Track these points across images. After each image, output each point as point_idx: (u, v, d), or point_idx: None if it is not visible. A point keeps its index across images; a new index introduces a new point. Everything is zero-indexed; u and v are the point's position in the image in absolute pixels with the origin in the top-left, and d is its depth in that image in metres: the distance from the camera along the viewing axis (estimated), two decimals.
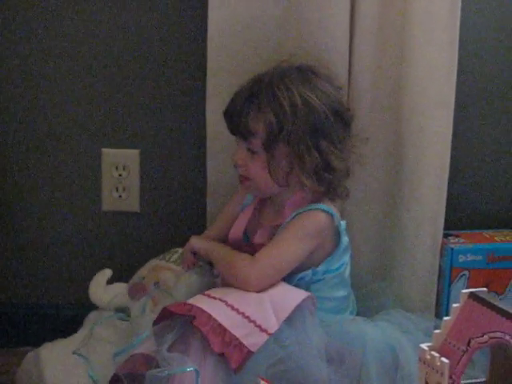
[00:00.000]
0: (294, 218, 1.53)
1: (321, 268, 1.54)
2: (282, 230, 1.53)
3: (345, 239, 1.58)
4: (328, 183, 1.53)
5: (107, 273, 1.68)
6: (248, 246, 1.57)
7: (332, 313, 1.54)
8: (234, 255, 1.52)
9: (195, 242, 1.59)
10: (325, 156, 1.51)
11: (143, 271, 1.68)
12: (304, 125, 1.50)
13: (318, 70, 1.57)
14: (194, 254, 1.60)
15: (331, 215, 1.54)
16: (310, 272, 1.53)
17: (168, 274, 1.64)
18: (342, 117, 1.54)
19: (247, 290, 1.45)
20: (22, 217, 1.87)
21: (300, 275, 1.53)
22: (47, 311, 1.88)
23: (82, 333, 1.60)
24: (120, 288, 1.66)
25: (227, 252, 1.54)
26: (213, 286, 1.58)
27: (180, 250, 1.69)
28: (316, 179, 1.52)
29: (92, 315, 1.66)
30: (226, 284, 1.52)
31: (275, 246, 1.51)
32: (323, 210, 1.53)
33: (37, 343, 1.66)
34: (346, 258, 1.59)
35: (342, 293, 1.58)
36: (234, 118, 1.53)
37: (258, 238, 1.57)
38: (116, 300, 1.61)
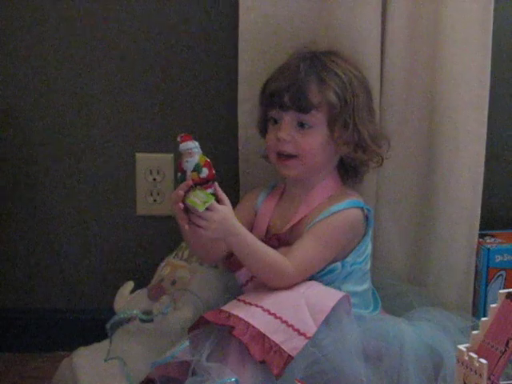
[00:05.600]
0: (328, 216, 1.53)
1: (349, 259, 1.55)
2: (318, 226, 1.53)
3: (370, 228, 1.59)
4: (375, 154, 1.59)
5: (130, 285, 1.70)
6: (275, 237, 1.57)
7: (355, 308, 1.52)
8: (274, 255, 1.49)
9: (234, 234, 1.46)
10: (376, 124, 1.60)
11: (161, 272, 1.69)
12: (361, 97, 1.55)
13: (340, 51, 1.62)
14: None
15: (364, 209, 1.56)
16: (339, 264, 1.54)
17: (183, 271, 1.65)
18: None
19: (284, 287, 1.46)
20: (57, 222, 1.88)
21: (329, 267, 1.53)
22: (82, 316, 1.89)
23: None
24: (141, 294, 1.67)
25: (267, 251, 1.49)
26: (229, 279, 1.59)
27: None
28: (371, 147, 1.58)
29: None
30: (256, 286, 1.53)
31: (313, 244, 1.51)
32: (358, 207, 1.55)
33: (72, 348, 1.68)
34: (370, 248, 1.59)
35: (364, 287, 1.59)
36: (295, 92, 1.53)
37: (286, 230, 1.57)
38: (137, 305, 1.62)
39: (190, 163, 1.41)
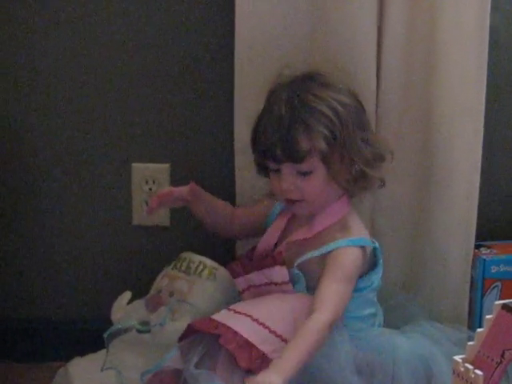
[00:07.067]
0: (332, 252, 1.51)
1: None
2: (330, 269, 1.49)
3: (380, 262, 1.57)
4: (376, 179, 1.57)
5: (127, 295, 1.70)
6: (271, 258, 1.56)
7: (359, 332, 1.52)
8: (306, 337, 1.41)
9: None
10: (372, 145, 1.55)
11: (159, 283, 1.69)
12: (351, 125, 1.51)
13: (318, 72, 1.57)
14: None
15: (368, 247, 1.54)
16: None
17: (181, 282, 1.65)
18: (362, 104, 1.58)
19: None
20: (52, 232, 1.88)
21: None
22: (78, 326, 1.89)
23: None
24: (139, 305, 1.67)
25: (302, 341, 1.40)
26: (228, 291, 1.59)
27: (188, 257, 1.69)
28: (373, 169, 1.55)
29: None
30: (251, 295, 1.54)
31: (336, 286, 1.47)
32: (360, 246, 1.53)
33: (68, 358, 1.68)
34: (377, 278, 1.57)
35: (368, 311, 1.57)
36: (286, 146, 1.49)
37: (283, 251, 1.55)
38: (135, 315, 1.63)
39: None
